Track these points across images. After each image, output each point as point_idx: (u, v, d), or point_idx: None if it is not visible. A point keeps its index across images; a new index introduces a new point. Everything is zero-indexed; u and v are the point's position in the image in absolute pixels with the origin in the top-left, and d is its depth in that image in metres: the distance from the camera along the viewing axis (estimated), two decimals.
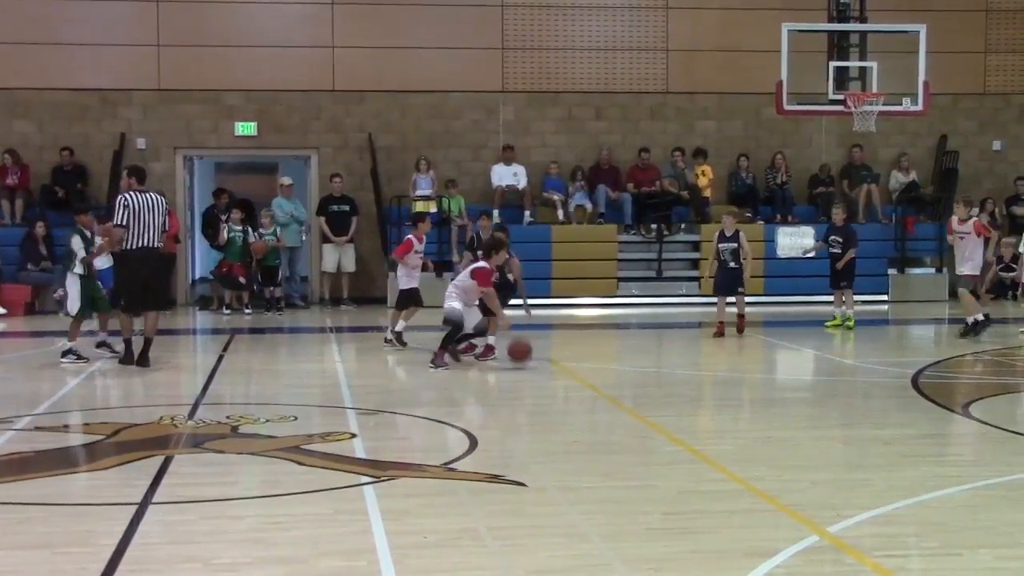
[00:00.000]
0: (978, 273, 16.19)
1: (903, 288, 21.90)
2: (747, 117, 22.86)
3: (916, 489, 7.57)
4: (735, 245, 16.32)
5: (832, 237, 17.54)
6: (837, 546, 6.28)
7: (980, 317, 15.64)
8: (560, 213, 21.77)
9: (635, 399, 11.68)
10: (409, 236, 15.30)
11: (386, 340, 15.11)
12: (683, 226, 22.06)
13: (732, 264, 16.28)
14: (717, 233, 16.53)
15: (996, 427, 9.84)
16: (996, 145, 23.47)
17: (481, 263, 13.62)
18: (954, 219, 16.36)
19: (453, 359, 13.56)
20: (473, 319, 13.48)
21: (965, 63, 23.02)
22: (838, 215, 17.78)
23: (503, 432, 9.90)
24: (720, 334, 16.01)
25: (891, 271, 21.85)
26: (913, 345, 16.68)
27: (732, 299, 16.39)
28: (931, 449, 9.12)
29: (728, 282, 16.36)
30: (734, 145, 22.84)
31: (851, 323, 17.24)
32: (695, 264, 21.73)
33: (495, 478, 7.78)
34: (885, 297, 21.67)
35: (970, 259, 15.99)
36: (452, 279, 14.47)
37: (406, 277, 15.18)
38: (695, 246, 21.87)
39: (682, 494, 7.48)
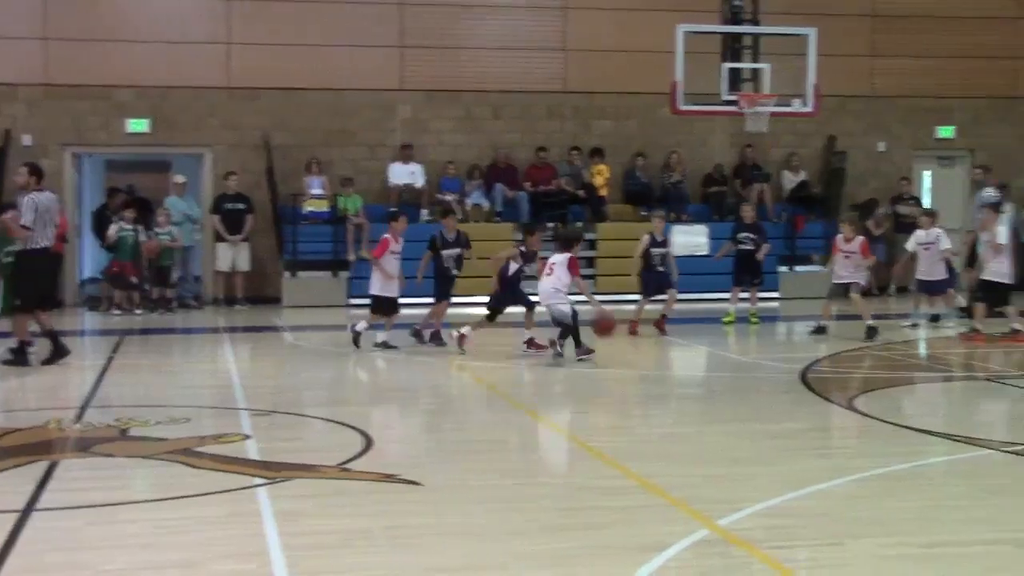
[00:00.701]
0: (864, 284, 16.76)
1: (793, 285, 22.29)
2: (643, 117, 23.08)
3: (802, 481, 7.73)
4: (665, 250, 16.40)
5: (744, 234, 17.80)
6: (727, 539, 6.39)
7: (871, 323, 15.96)
8: (457, 212, 21.75)
9: (532, 397, 11.75)
10: (385, 235, 14.81)
11: (376, 344, 14.73)
12: (579, 225, 22.18)
13: (660, 267, 16.33)
14: (647, 237, 16.45)
15: (878, 419, 10.08)
16: (881, 146, 24.00)
17: (565, 255, 13.94)
18: (840, 238, 16.69)
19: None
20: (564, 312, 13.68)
21: (853, 66, 23.50)
22: (748, 213, 18.07)
23: (398, 431, 9.90)
24: (634, 332, 16.08)
25: (781, 268, 22.24)
26: (803, 341, 16.96)
27: (663, 296, 16.48)
28: (816, 442, 9.32)
29: (659, 284, 16.41)
30: (630, 144, 23.04)
31: (755, 319, 17.55)
32: (591, 262, 21.86)
33: (390, 477, 7.76)
34: (776, 294, 22.04)
35: (856, 274, 16.43)
36: (537, 278, 14.30)
37: (381, 282, 14.70)
38: (591, 244, 22.00)
39: (578, 491, 7.54)
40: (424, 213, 21.59)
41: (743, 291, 17.78)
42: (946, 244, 17.26)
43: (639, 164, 22.78)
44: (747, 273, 17.69)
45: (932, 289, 17.42)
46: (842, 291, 16.48)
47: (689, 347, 15.51)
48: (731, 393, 11.81)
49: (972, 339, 15.53)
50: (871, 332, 15.74)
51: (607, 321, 13.78)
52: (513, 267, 14.68)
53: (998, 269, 15.63)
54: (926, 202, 23.48)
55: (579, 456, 8.70)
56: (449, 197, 21.71)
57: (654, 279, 16.38)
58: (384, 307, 14.73)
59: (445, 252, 15.23)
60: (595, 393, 12.14)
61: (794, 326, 18.73)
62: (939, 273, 17.21)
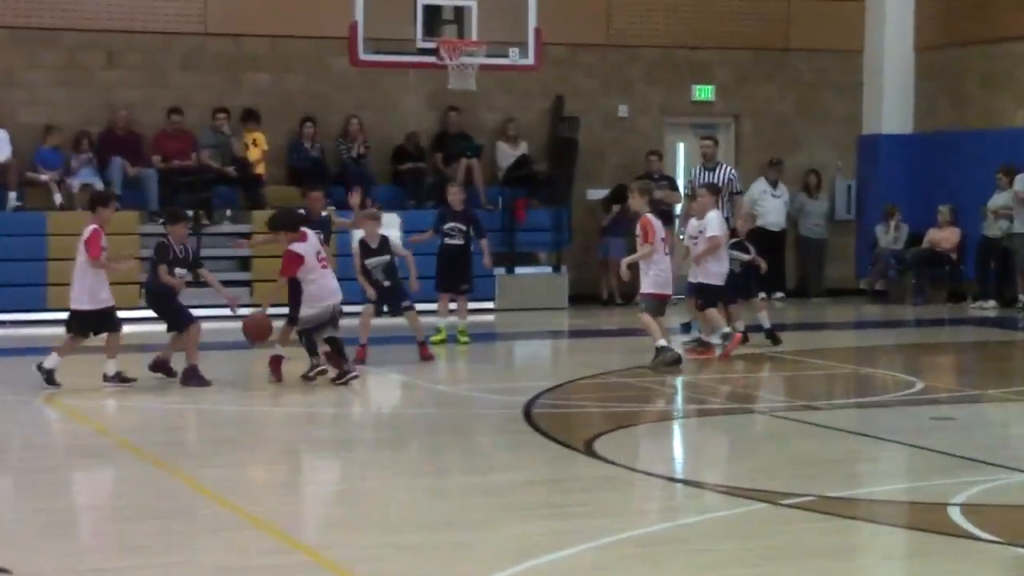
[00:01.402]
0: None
1: (513, 292, 22.63)
2: (311, 69, 22.98)
3: (529, 551, 7.83)
4: (385, 258, 16.06)
5: (451, 224, 17.76)
6: None
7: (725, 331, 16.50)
8: (58, 196, 21.16)
9: (164, 446, 11.54)
10: (94, 226, 14.47)
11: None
12: (228, 213, 21.90)
13: (386, 282, 16.01)
14: (358, 244, 16.19)
15: (626, 467, 10.33)
16: (623, 110, 24.70)
17: None
18: (692, 220, 17.02)
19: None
20: None
21: (584, 6, 24.10)
22: (456, 196, 18.00)
23: None
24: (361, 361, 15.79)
25: (498, 271, 22.52)
26: (527, 365, 17.32)
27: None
28: (547, 498, 9.48)
29: (391, 302, 16.14)
30: (295, 106, 22.91)
31: (465, 337, 17.62)
32: (245, 263, 21.64)
33: None
34: (491, 304, 22.33)
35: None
36: None
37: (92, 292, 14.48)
38: (245, 239, 21.77)
39: (224, 571, 7.44)
40: (12, 197, 20.88)
41: (451, 299, 17.89)
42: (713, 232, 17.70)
43: (307, 132, 22.70)
44: (455, 277, 17.76)
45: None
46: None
47: (379, 374, 15.53)
48: (433, 435, 11.88)
49: (701, 353, 16.47)
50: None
51: (259, 322, 14.28)
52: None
53: (716, 270, 16.41)
54: (681, 183, 24.30)
55: (229, 524, 8.58)
56: (45, 176, 21.08)
57: (384, 299, 16.01)
58: (92, 324, 14.30)
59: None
60: (251, 439, 12.01)
61: (514, 346, 19.05)
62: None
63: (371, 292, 15.86)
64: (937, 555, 8.02)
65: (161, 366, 14.66)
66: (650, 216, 15.36)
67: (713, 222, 16.41)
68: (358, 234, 16.47)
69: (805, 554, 7.92)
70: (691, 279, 16.80)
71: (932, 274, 23.93)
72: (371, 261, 15.99)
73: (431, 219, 18.63)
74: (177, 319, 14.54)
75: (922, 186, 24.52)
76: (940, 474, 10.21)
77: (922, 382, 14.76)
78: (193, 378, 14.15)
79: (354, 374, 14.19)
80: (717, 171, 19.31)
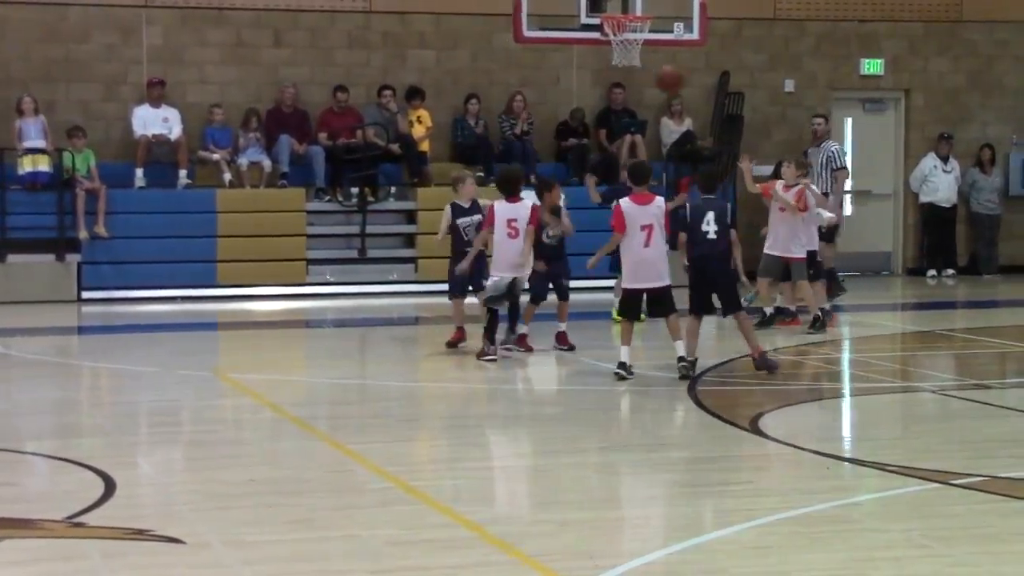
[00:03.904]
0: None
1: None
2: (476, 46, 23.08)
3: (694, 528, 7.83)
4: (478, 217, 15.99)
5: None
6: None
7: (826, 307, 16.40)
8: (227, 174, 21.52)
9: (331, 421, 11.73)
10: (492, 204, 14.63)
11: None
12: (393, 190, 22.11)
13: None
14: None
15: (791, 445, 10.27)
16: (789, 85, 24.47)
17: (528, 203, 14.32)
18: (779, 184, 16.80)
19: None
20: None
21: None
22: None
23: (152, 471, 9.76)
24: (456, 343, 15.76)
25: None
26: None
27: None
28: (712, 476, 9.46)
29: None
30: (459, 83, 23.03)
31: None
32: (410, 240, 21.84)
33: (140, 533, 7.66)
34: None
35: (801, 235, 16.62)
36: None
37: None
38: (410, 216, 21.96)
39: (394, 546, 7.52)
40: (183, 175, 21.27)
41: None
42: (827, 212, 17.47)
43: (471, 109, 22.82)
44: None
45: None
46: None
47: (548, 351, 15.47)
48: (601, 412, 11.91)
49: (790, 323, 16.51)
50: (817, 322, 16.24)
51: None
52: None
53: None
54: (849, 158, 24.03)
55: (396, 499, 8.67)
56: (216, 155, 21.44)
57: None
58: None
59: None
60: (416, 415, 12.13)
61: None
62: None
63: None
64: None
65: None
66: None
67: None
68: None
69: (976, 536, 7.82)
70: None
71: None
72: (463, 221, 15.64)
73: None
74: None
75: None
76: None
77: None
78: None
79: (491, 356, 14.20)
80: (821, 148, 19.19)
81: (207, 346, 16.79)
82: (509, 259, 14.18)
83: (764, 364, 13.31)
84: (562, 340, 15.06)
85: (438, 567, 7.12)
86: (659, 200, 13.17)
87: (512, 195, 14.37)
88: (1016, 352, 15.89)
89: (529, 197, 14.56)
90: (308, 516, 8.21)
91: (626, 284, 13.31)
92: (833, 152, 19.02)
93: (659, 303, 13.16)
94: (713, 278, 13.35)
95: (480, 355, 14.20)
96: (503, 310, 14.39)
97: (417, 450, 10.74)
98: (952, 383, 13.40)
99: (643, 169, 13.56)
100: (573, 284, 15.33)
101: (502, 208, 14.27)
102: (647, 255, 12.98)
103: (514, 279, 14.20)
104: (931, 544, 7.63)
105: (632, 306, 13.21)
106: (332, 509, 8.44)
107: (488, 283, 14.19)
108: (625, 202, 13.15)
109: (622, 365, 12.95)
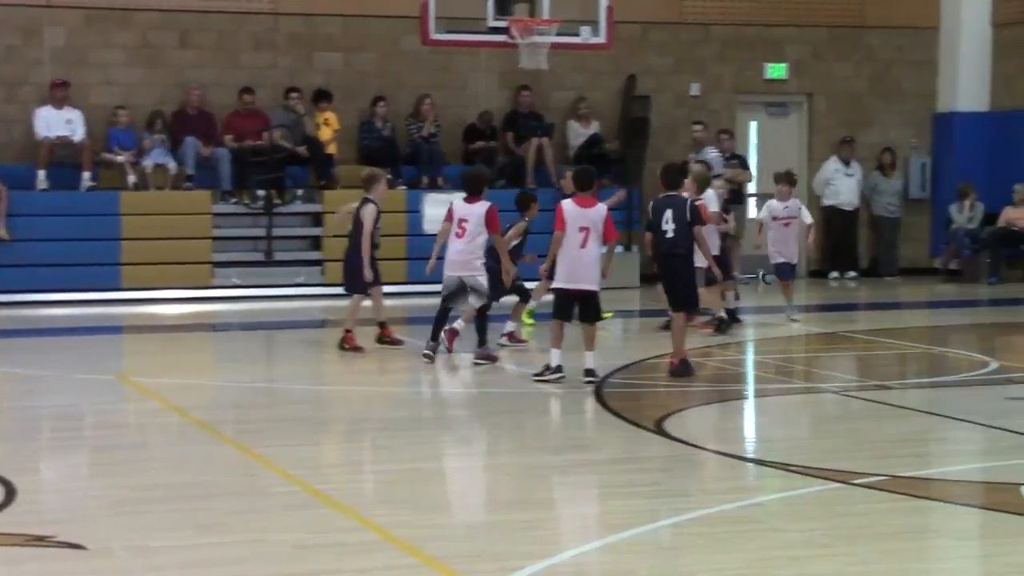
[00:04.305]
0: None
1: None
2: (383, 49, 23.05)
3: (601, 530, 7.86)
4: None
5: None
6: None
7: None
8: (131, 176, 21.35)
9: (237, 425, 11.67)
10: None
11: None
12: (300, 193, 22.04)
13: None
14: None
15: (696, 447, 10.35)
16: (694, 89, 24.64)
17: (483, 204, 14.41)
18: (774, 202, 17.36)
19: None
20: None
21: None
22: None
23: (54, 476, 9.67)
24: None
25: None
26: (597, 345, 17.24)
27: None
28: (618, 478, 9.51)
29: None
30: (366, 86, 22.99)
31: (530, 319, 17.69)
32: (317, 243, 21.78)
33: (42, 540, 7.60)
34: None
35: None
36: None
37: None
38: (317, 219, 21.90)
39: (301, 550, 7.52)
40: (86, 177, 21.08)
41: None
42: (808, 219, 17.89)
43: (379, 112, 22.79)
44: None
45: (786, 274, 17.91)
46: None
47: (444, 352, 15.55)
48: (508, 414, 11.94)
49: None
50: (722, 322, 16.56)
51: None
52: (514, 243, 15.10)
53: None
54: (752, 162, 24.23)
55: (303, 502, 8.66)
56: (120, 157, 21.26)
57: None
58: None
59: None
60: (320, 418, 12.11)
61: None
62: (794, 254, 17.85)
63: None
64: (1009, 535, 8.00)
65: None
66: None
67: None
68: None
69: (877, 534, 7.91)
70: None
71: (1008, 253, 23.74)
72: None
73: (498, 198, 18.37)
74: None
75: (998, 164, 24.29)
76: (1013, 454, 10.17)
77: (997, 362, 14.67)
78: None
79: (428, 353, 14.34)
80: (700, 154, 19.54)
81: (111, 350, 16.67)
82: (451, 258, 14.32)
83: (682, 371, 13.43)
84: (512, 338, 15.48)
85: (345, 570, 7.13)
86: (601, 207, 13.22)
87: (473, 195, 14.44)
88: (916, 353, 16.11)
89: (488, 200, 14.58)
90: (214, 521, 8.18)
91: (558, 283, 13.26)
92: (712, 159, 19.24)
93: (586, 308, 13.19)
94: (671, 275, 13.59)
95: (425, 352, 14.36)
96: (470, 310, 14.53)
97: (324, 453, 10.72)
98: (854, 384, 13.55)
99: (588, 175, 13.61)
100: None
101: (459, 206, 14.42)
102: (582, 256, 12.99)
103: (460, 279, 14.25)
104: (833, 543, 7.72)
105: (564, 306, 13.22)
106: (238, 513, 8.40)
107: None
108: (567, 203, 13.24)
109: (559, 368, 12.99)
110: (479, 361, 14.24)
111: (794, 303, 17.86)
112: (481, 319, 14.34)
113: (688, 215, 13.43)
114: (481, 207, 14.28)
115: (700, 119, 21.89)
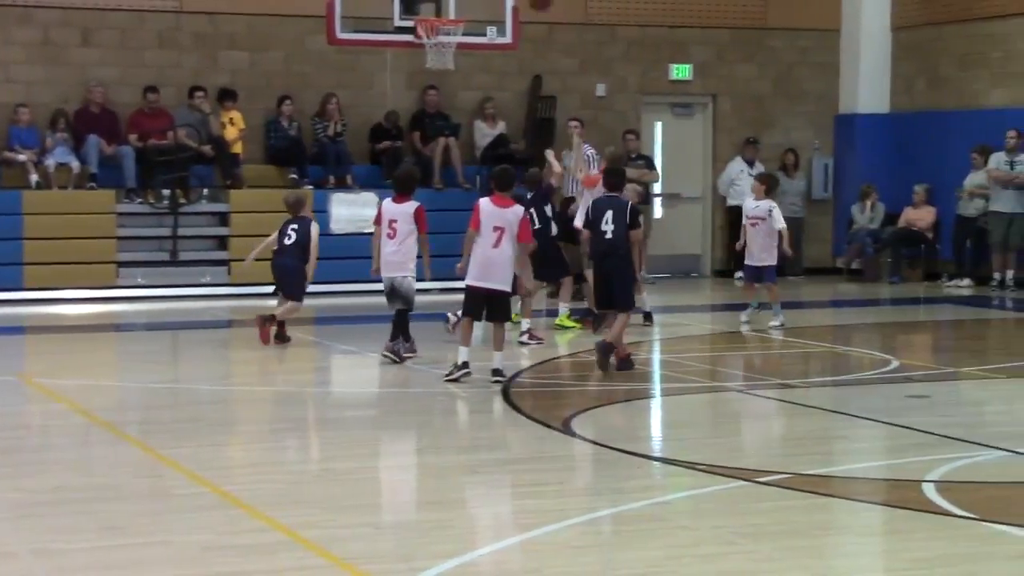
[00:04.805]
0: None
1: None
2: (289, 48, 22.94)
3: (509, 529, 7.88)
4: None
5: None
6: None
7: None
8: (34, 175, 21.13)
9: (143, 426, 11.59)
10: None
11: None
12: (205, 192, 21.89)
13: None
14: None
15: (603, 445, 10.39)
16: (600, 89, 24.74)
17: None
18: (748, 201, 17.51)
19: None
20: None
21: None
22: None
23: None
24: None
25: None
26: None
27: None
28: (526, 477, 9.52)
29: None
30: (272, 85, 22.87)
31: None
32: (223, 243, 21.64)
33: None
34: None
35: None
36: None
37: None
38: (223, 219, 21.77)
39: (209, 551, 7.49)
40: None
41: None
42: (780, 222, 17.60)
43: (285, 111, 22.69)
44: None
45: (761, 276, 17.75)
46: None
47: (358, 354, 15.56)
48: (415, 415, 11.95)
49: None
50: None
51: None
52: None
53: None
54: (658, 161, 24.35)
55: (210, 503, 8.62)
56: (22, 155, 21.03)
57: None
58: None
59: None
60: (229, 419, 12.07)
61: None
62: (770, 257, 17.61)
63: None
64: (912, 532, 8.10)
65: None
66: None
67: None
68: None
69: (781, 532, 7.99)
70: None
71: (908, 253, 23.99)
72: None
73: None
74: None
75: (898, 165, 24.56)
76: (915, 451, 10.28)
77: (897, 360, 14.85)
78: None
79: (388, 353, 14.29)
80: (576, 151, 19.55)
81: (13, 350, 16.50)
82: (385, 259, 14.24)
83: (625, 366, 13.69)
84: (532, 336, 15.57)
85: (254, 571, 7.11)
86: (517, 208, 13.24)
87: (402, 194, 14.37)
88: (819, 351, 16.26)
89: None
90: (120, 523, 8.12)
91: (469, 281, 13.23)
92: (588, 156, 19.24)
93: (495, 308, 13.19)
94: (608, 275, 13.70)
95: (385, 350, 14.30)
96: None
97: (230, 454, 10.67)
98: (758, 382, 13.66)
99: (508, 175, 13.60)
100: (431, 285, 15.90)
101: (388, 207, 14.33)
102: (493, 256, 12.99)
103: (391, 280, 14.19)
104: (739, 540, 7.78)
105: (474, 304, 13.19)
106: (144, 515, 8.35)
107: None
108: (484, 202, 13.29)
109: (465, 364, 12.97)
110: (387, 354, 14.22)
111: (774, 306, 17.64)
112: (402, 317, 14.31)
113: (627, 218, 13.55)
114: (410, 206, 14.22)
115: (576, 116, 21.60)
